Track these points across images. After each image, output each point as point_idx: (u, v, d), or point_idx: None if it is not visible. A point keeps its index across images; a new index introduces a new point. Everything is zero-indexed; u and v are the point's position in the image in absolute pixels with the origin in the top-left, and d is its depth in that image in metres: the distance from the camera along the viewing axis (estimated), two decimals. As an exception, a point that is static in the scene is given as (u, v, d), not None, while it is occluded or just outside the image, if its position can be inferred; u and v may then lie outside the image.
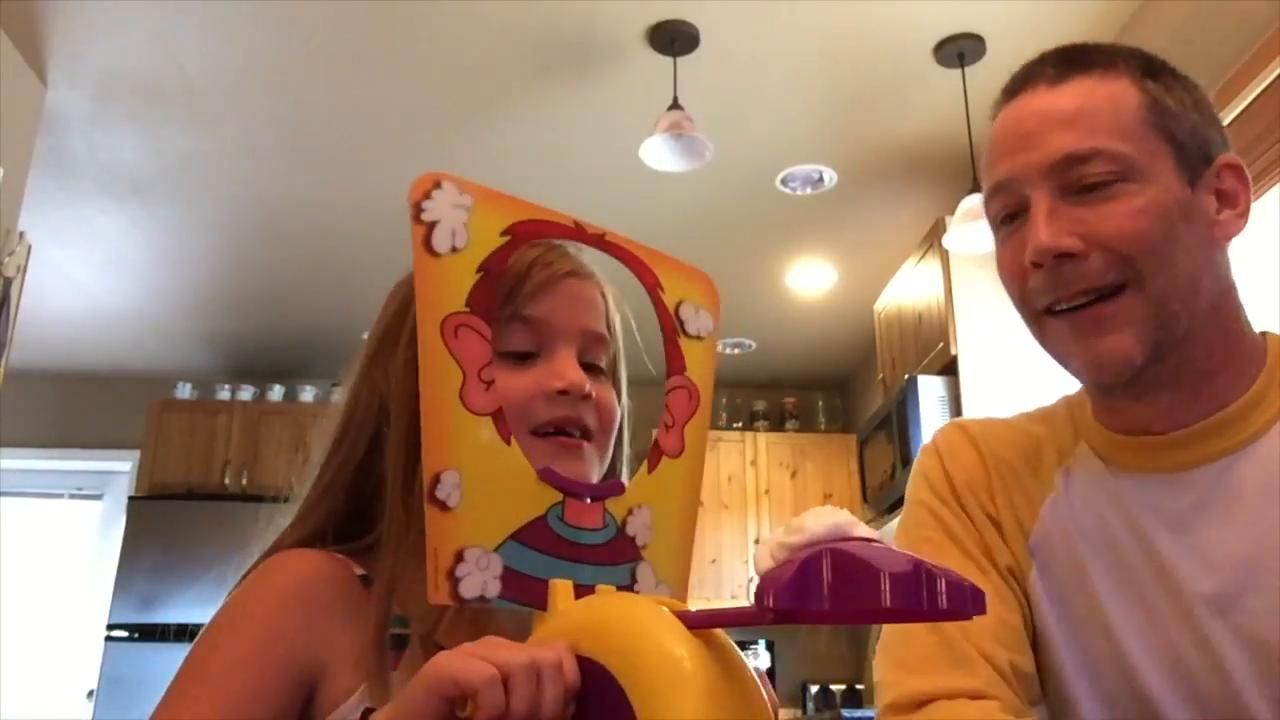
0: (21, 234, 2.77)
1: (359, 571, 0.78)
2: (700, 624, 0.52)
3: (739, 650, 0.54)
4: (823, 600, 0.46)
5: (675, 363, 0.73)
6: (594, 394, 0.75)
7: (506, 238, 0.66)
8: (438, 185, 0.64)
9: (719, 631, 0.54)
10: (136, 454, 4.82)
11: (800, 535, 0.48)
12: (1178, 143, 0.82)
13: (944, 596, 0.45)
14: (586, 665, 0.53)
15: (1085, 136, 0.80)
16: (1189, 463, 0.84)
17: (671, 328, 0.74)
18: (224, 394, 4.86)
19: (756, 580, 0.50)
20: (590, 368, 0.77)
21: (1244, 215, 0.85)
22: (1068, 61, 0.85)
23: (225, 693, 0.69)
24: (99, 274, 4.17)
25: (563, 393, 0.73)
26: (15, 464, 4.98)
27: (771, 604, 0.47)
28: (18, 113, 2.78)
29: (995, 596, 0.86)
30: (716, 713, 0.48)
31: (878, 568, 0.45)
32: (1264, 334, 0.89)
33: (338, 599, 0.75)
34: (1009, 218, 0.86)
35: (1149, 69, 0.84)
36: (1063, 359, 0.85)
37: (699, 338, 0.74)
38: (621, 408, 0.82)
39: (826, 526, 0.48)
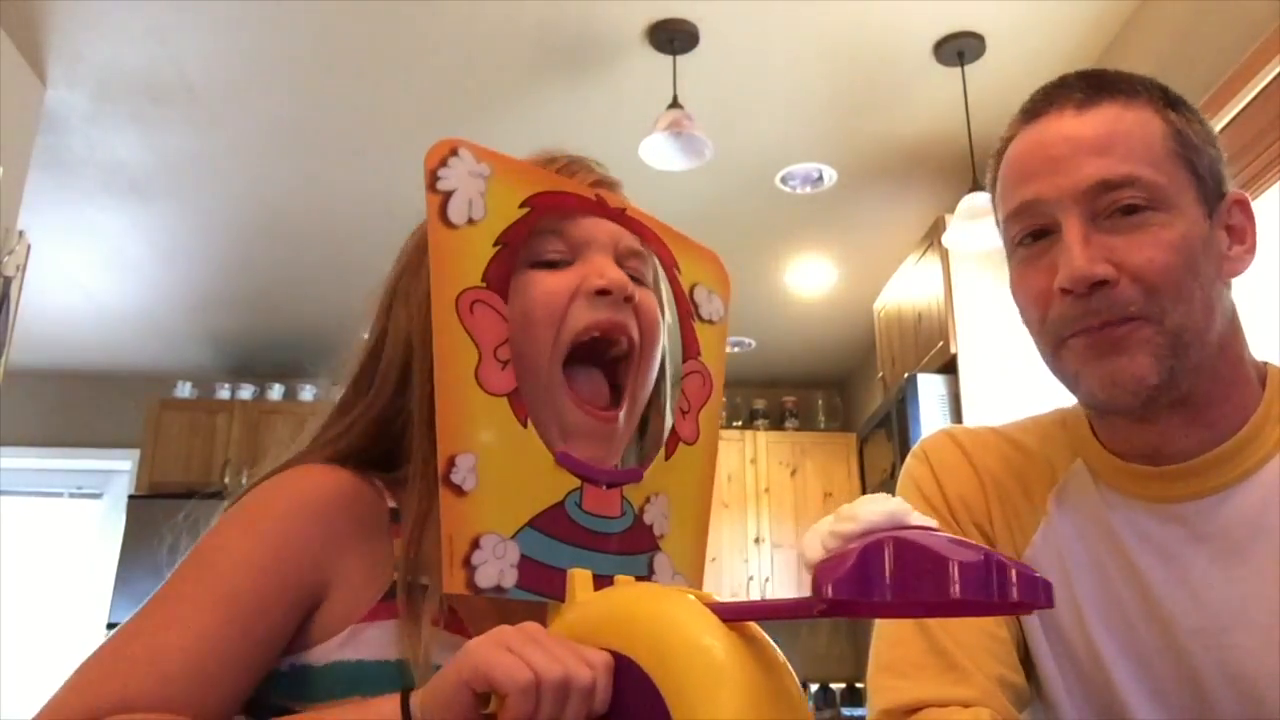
0: (21, 233, 2.77)
1: (391, 505, 0.72)
2: (735, 616, 0.49)
3: (775, 645, 0.51)
4: (885, 591, 0.43)
5: (691, 347, 0.70)
6: (638, 297, 0.68)
7: (525, 210, 0.63)
8: (454, 152, 0.61)
9: (752, 625, 0.51)
10: (136, 453, 4.82)
11: (855, 524, 0.46)
12: (1199, 175, 0.81)
13: (1015, 588, 0.42)
14: (616, 660, 0.50)
15: (1119, 163, 0.79)
16: (1181, 496, 0.83)
17: (687, 311, 0.71)
18: (224, 393, 4.86)
19: (811, 570, 0.47)
20: (631, 279, 0.70)
21: (1251, 251, 0.84)
22: (1093, 86, 0.83)
23: (227, 591, 0.63)
24: (99, 273, 4.17)
25: (603, 292, 0.66)
26: (15, 463, 4.97)
27: (830, 594, 0.44)
28: (17, 111, 2.77)
29: None
30: (756, 710, 0.46)
31: (946, 557, 0.42)
32: (1265, 364, 0.88)
33: (356, 524, 0.69)
34: (1031, 238, 0.83)
35: (1169, 100, 0.84)
36: (1075, 378, 0.83)
37: (711, 322, 0.72)
38: (665, 325, 0.75)
39: (882, 514, 0.46)
